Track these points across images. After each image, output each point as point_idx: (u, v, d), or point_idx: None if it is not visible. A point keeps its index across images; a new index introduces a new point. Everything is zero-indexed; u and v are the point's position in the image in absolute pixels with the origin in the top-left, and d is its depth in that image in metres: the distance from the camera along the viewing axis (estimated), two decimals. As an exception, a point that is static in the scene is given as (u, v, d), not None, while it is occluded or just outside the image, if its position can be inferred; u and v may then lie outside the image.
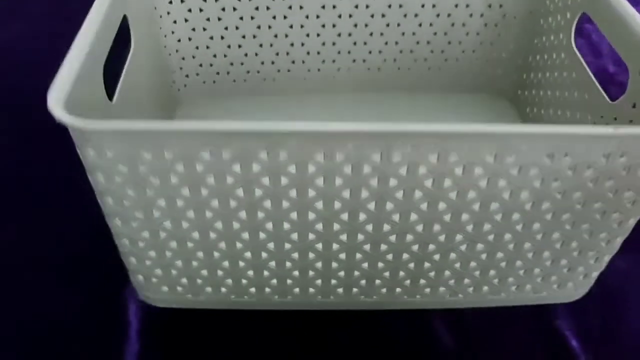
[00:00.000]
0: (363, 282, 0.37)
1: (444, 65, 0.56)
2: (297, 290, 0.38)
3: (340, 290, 0.38)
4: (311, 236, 0.34)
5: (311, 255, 0.35)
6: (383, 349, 0.38)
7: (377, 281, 0.37)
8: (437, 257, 0.35)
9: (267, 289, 0.38)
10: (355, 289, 0.38)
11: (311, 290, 0.38)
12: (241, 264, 0.35)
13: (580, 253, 0.36)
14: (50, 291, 0.41)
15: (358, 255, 0.35)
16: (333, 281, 0.37)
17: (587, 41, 0.50)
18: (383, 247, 0.34)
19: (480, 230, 0.33)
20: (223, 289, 0.38)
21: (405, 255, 0.35)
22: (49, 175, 0.47)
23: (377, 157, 0.29)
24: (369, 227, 0.33)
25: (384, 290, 0.38)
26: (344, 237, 0.34)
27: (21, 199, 0.47)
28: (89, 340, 0.39)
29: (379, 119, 0.54)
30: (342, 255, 0.35)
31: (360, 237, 0.34)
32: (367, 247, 0.34)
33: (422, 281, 0.37)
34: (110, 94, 0.37)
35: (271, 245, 0.34)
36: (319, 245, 0.34)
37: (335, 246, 0.34)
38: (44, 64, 0.53)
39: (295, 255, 0.35)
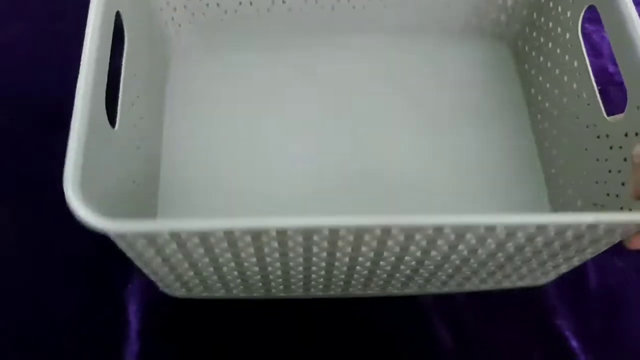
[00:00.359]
0: (360, 284, 0.42)
1: (444, 7, 0.54)
2: (300, 290, 0.42)
3: (339, 289, 0.43)
4: (314, 259, 0.37)
5: (314, 268, 0.39)
6: (378, 333, 0.43)
7: (372, 284, 0.42)
8: (425, 273, 0.39)
9: (273, 290, 0.42)
10: (351, 288, 0.43)
11: (312, 290, 0.42)
12: (251, 281, 0.39)
13: (547, 263, 0.40)
14: (50, 291, 0.43)
15: (357, 267, 0.39)
16: (332, 285, 0.42)
17: (587, 41, 0.47)
18: (379, 270, 0.38)
19: (462, 256, 0.37)
20: (234, 291, 0.42)
21: (397, 274, 0.39)
22: (49, 174, 0.47)
23: (378, 230, 0.32)
24: (367, 263, 0.37)
25: (378, 288, 0.43)
26: (345, 259, 0.37)
27: (21, 198, 0.47)
28: (88, 340, 0.41)
29: (380, 63, 0.54)
30: (344, 268, 0.39)
31: (360, 259, 0.37)
32: (367, 263, 0.38)
33: (411, 284, 0.42)
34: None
35: (278, 271, 0.38)
36: (322, 264, 0.38)
37: (337, 263, 0.38)
38: (44, 64, 0.51)
39: (300, 268, 0.39)
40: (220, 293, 0.42)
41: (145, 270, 0.38)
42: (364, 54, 0.55)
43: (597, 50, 0.51)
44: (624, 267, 0.45)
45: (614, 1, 0.38)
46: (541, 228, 0.32)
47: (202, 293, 0.43)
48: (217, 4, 0.52)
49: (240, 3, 0.52)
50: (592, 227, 0.32)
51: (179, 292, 0.43)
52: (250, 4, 0.52)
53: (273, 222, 0.30)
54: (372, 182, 0.48)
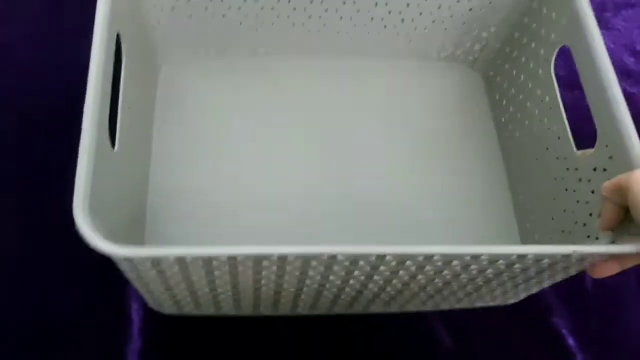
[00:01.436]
0: (345, 305, 0.44)
1: (423, 35, 0.56)
2: (287, 309, 0.44)
3: (323, 309, 0.44)
4: (308, 281, 0.39)
5: (306, 288, 0.41)
6: (378, 333, 0.44)
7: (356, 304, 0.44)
8: (409, 293, 0.42)
9: (262, 310, 0.44)
10: (336, 307, 0.44)
11: (299, 310, 0.44)
12: (243, 298, 0.41)
13: (520, 285, 0.43)
14: (50, 291, 0.43)
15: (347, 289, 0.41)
16: (318, 305, 0.43)
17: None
18: (366, 291, 0.40)
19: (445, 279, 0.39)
20: (224, 309, 0.43)
21: (382, 295, 0.41)
22: (49, 175, 0.47)
23: (373, 257, 0.34)
24: (357, 285, 0.39)
25: (361, 308, 0.45)
26: (337, 281, 0.39)
27: (22, 198, 0.47)
28: (91, 339, 0.42)
29: (359, 86, 0.56)
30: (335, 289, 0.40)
31: (352, 281, 0.39)
32: (357, 285, 0.40)
33: (392, 303, 0.44)
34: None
35: (270, 291, 0.39)
36: (315, 285, 0.40)
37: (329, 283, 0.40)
38: (45, 65, 0.51)
39: (292, 288, 0.40)
40: (210, 311, 0.44)
41: (141, 290, 0.39)
42: (345, 76, 0.57)
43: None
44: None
45: (587, 44, 0.42)
46: (521, 256, 0.34)
47: (193, 311, 0.44)
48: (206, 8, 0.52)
49: (230, 7, 0.52)
50: (565, 256, 0.35)
51: (169, 310, 0.44)
52: (239, 8, 0.52)
53: (273, 249, 0.31)
54: (349, 203, 0.50)
